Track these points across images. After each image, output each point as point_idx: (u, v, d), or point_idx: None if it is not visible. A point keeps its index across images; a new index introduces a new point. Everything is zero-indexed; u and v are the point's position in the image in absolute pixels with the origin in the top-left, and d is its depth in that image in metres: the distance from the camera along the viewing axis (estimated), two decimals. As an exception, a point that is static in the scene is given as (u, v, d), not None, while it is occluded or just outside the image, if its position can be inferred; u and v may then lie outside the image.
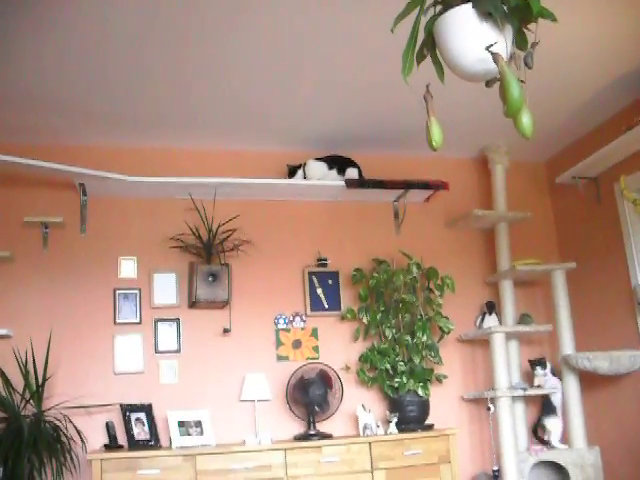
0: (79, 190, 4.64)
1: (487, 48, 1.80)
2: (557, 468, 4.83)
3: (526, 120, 1.86)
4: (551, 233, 5.62)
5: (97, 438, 4.36)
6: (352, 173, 4.90)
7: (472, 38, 1.84)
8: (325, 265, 5.01)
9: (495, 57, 1.79)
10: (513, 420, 4.75)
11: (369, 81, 4.15)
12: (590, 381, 4.85)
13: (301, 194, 5.02)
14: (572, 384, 4.86)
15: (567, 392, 4.87)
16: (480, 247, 5.41)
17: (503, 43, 1.85)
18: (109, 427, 4.30)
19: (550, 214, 5.66)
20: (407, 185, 5.00)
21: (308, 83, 4.17)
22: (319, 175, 4.84)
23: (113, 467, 3.92)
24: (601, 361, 4.53)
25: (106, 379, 4.53)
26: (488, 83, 1.95)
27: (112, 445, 4.24)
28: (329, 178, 4.87)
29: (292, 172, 4.86)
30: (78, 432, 4.24)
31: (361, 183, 4.89)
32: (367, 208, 5.25)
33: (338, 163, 4.91)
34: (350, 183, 4.84)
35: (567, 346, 4.86)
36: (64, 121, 4.48)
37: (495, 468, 4.75)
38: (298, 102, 4.42)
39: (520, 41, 1.95)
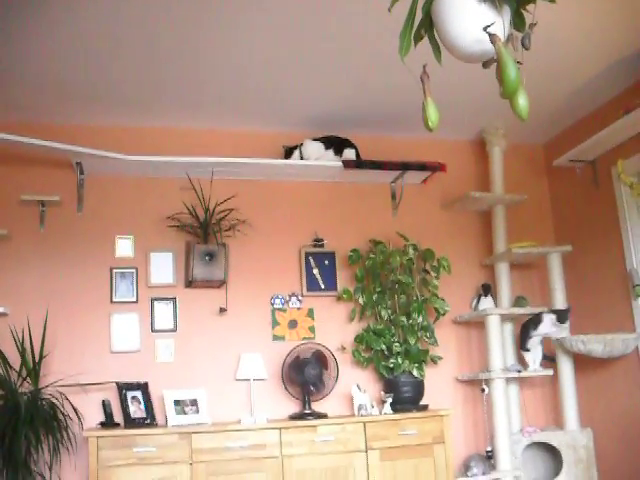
0: (76, 169, 4.63)
1: (484, 29, 1.80)
2: (550, 449, 4.87)
3: (522, 102, 1.86)
4: (548, 216, 5.63)
5: (93, 416, 4.38)
6: (349, 154, 4.89)
7: (469, 19, 1.83)
8: (322, 246, 5.02)
9: (492, 38, 1.79)
10: (507, 402, 4.79)
11: (366, 61, 4.14)
12: (584, 364, 4.87)
13: (298, 174, 5.02)
14: (566, 367, 4.89)
15: (561, 375, 4.90)
16: (477, 229, 5.42)
17: (500, 24, 1.84)
18: (105, 405, 4.32)
19: (547, 197, 5.66)
20: (404, 166, 4.99)
21: (306, 64, 4.16)
22: (316, 155, 4.84)
23: (109, 444, 3.95)
24: (595, 344, 4.55)
25: (102, 357, 4.55)
26: (485, 64, 1.94)
27: (108, 423, 4.27)
28: (326, 158, 4.86)
29: (288, 153, 4.86)
30: (75, 410, 4.27)
31: (358, 164, 4.89)
32: (364, 189, 5.24)
33: (335, 144, 4.90)
34: (347, 164, 4.83)
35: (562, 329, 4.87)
36: (61, 100, 4.46)
37: (488, 449, 4.80)
38: (295, 83, 4.41)
39: (518, 22, 1.95)
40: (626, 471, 4.71)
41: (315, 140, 4.89)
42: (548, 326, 4.71)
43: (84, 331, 4.55)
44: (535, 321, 4.78)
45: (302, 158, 4.84)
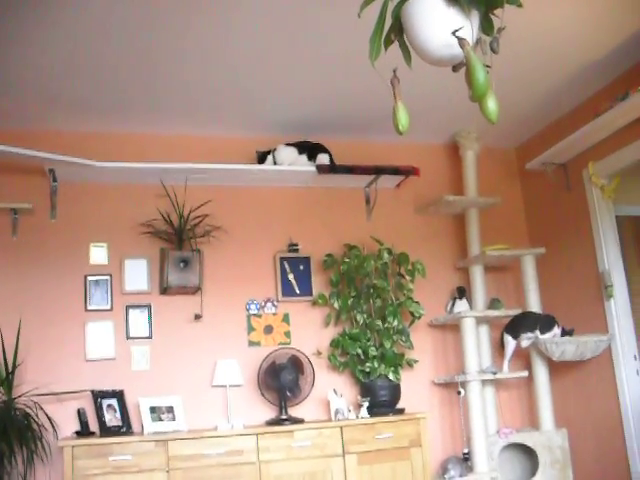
0: (49, 176, 4.59)
1: (453, 33, 1.82)
2: (526, 450, 4.91)
3: (491, 105, 1.88)
4: (521, 219, 5.68)
5: (68, 425, 4.34)
6: (323, 159, 4.90)
7: (438, 23, 1.84)
8: (296, 251, 5.02)
9: (461, 42, 1.81)
10: (483, 404, 4.81)
11: (339, 67, 4.15)
12: (558, 365, 4.91)
13: (272, 180, 5.02)
14: (541, 368, 4.93)
15: (536, 376, 4.93)
16: (450, 232, 5.45)
17: (469, 28, 1.86)
18: (80, 414, 4.28)
19: (520, 200, 5.71)
20: (378, 171, 5.01)
21: (279, 69, 4.16)
22: (289, 160, 4.85)
23: (84, 454, 3.92)
24: (568, 345, 4.59)
25: (77, 366, 4.51)
26: (455, 68, 1.96)
27: (84, 432, 4.23)
28: (299, 163, 4.87)
29: (262, 158, 4.86)
30: (49, 419, 4.22)
31: (332, 169, 4.90)
32: (338, 194, 5.25)
33: (308, 149, 4.91)
34: (321, 169, 4.84)
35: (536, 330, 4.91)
36: (34, 106, 4.43)
37: (465, 451, 4.81)
38: (269, 88, 4.41)
39: (486, 26, 1.97)
40: (601, 470, 4.75)
41: (288, 145, 4.89)
42: (552, 335, 4.72)
43: (58, 339, 4.51)
44: (547, 324, 4.73)
45: (275, 163, 4.84)
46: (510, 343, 4.90)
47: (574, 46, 4.12)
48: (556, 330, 4.68)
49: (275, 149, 4.86)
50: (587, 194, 4.88)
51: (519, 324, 4.86)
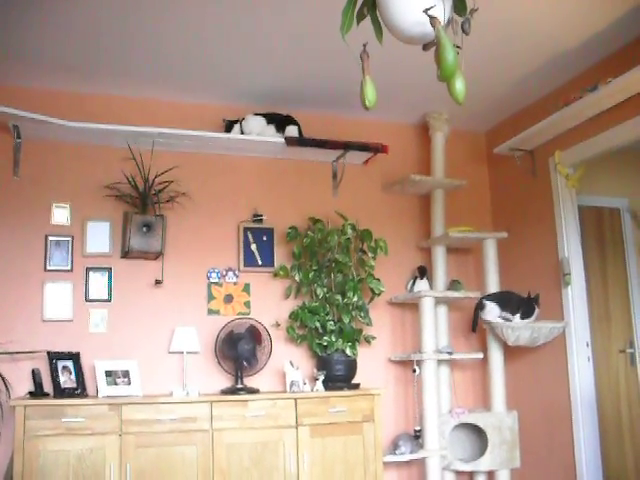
0: (13, 132, 4.50)
1: (425, 11, 1.82)
2: (476, 430, 4.98)
3: (459, 85, 1.89)
4: (486, 202, 5.72)
5: (22, 386, 4.31)
6: (292, 131, 4.88)
7: (411, 0, 1.84)
8: (260, 221, 5.00)
9: (432, 21, 1.81)
10: (437, 383, 4.88)
11: (312, 39, 4.12)
12: (513, 348, 4.97)
13: (240, 149, 4.99)
14: (496, 351, 4.99)
15: (491, 358, 5.00)
16: (415, 212, 5.48)
17: (442, 7, 1.87)
18: (35, 374, 4.25)
19: (486, 184, 5.75)
20: (347, 146, 5.00)
21: (252, 39, 4.12)
22: (258, 130, 4.82)
23: (37, 414, 3.89)
24: (523, 330, 4.65)
25: (34, 326, 4.46)
26: (425, 47, 1.97)
27: (37, 393, 4.20)
28: (267, 134, 4.85)
29: (229, 127, 4.84)
30: (2, 379, 4.18)
31: (301, 141, 4.88)
32: (305, 167, 5.24)
33: (277, 120, 4.89)
34: (290, 141, 4.82)
35: (493, 314, 4.96)
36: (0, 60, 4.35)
37: (417, 428, 4.88)
38: (241, 58, 4.37)
39: (459, 7, 1.98)
40: (546, 452, 4.86)
41: (257, 115, 4.86)
42: (492, 314, 4.76)
43: (15, 299, 4.46)
44: (529, 310, 4.73)
45: (242, 133, 4.82)
46: (493, 310, 4.81)
47: (547, 35, 4.13)
48: (489, 308, 4.76)
49: (243, 119, 4.83)
50: (552, 182, 4.93)
51: (504, 301, 4.81)
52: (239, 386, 4.52)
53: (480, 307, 4.81)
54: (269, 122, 4.86)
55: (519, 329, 4.65)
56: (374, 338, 5.00)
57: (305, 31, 4.03)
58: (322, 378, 4.61)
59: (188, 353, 4.60)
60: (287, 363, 4.64)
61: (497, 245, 5.09)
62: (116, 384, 4.35)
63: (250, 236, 4.97)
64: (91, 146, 4.76)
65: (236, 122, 4.83)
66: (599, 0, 3.76)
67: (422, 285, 5.15)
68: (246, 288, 4.93)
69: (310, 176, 5.25)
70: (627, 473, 5.56)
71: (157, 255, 4.65)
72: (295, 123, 4.92)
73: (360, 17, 2.02)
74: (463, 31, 1.94)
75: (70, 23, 3.89)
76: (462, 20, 1.94)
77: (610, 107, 4.29)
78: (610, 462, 5.36)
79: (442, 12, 1.86)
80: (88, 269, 4.64)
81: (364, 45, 2.05)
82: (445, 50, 1.80)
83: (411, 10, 1.85)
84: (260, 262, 4.96)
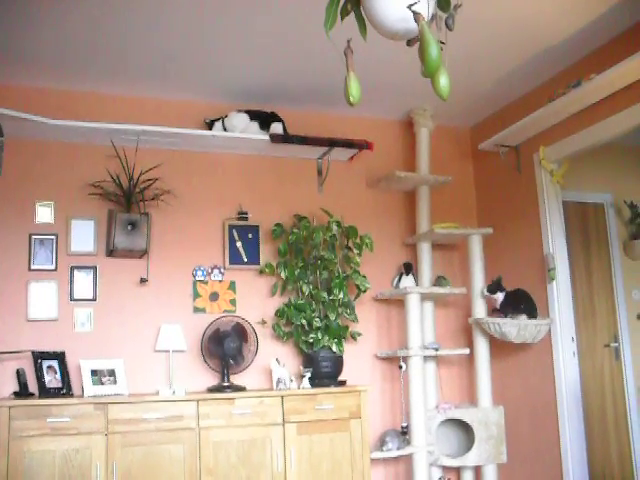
0: (-5, 130, 4.49)
1: (409, 7, 1.81)
2: (463, 426, 5.00)
3: (443, 81, 1.88)
4: (471, 198, 5.73)
5: (7, 386, 4.29)
6: (277, 128, 4.87)
7: (395, -4, 1.84)
8: (246, 219, 4.99)
9: (416, 16, 1.81)
10: (424, 379, 4.89)
11: (295, 35, 4.11)
12: (499, 343, 4.99)
13: (225, 146, 4.97)
14: (482, 347, 5.00)
15: (477, 354, 5.01)
16: (401, 208, 5.48)
17: (425, 3, 1.86)
18: (19, 374, 4.22)
19: (471, 180, 5.76)
20: (331, 143, 4.99)
21: (235, 36, 4.11)
22: (241, 127, 4.80)
23: (22, 414, 3.86)
24: (510, 327, 4.66)
25: (18, 326, 4.43)
26: (409, 42, 1.96)
27: (22, 393, 4.18)
28: (250, 130, 4.84)
29: (209, 126, 4.83)
30: (-14, 379, 4.17)
31: (286, 138, 4.87)
32: (290, 164, 5.24)
33: (261, 117, 4.88)
34: (275, 138, 4.81)
35: (479, 310, 4.99)
36: (-19, 58, 4.32)
37: (404, 424, 4.89)
38: (224, 55, 4.36)
39: (443, 3, 1.97)
40: (532, 446, 4.88)
41: (240, 112, 4.85)
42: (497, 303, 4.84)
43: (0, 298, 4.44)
44: (534, 311, 4.76)
45: (225, 130, 4.81)
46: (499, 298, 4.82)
47: (531, 31, 4.14)
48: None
49: (226, 116, 4.82)
50: (537, 178, 4.95)
51: (517, 299, 4.80)
52: (225, 384, 4.51)
53: (491, 291, 4.82)
54: (252, 118, 4.85)
55: (505, 325, 4.66)
56: (360, 335, 5.00)
57: (288, 28, 4.02)
58: (308, 375, 4.61)
59: (174, 351, 4.59)
60: (273, 360, 4.63)
61: (482, 241, 5.09)
62: (102, 383, 4.33)
63: (235, 233, 4.95)
64: (75, 144, 4.73)
65: (218, 120, 4.82)
66: (582, -4, 3.78)
67: (408, 281, 5.16)
68: (232, 286, 4.91)
69: (295, 173, 5.24)
70: (612, 466, 5.61)
71: (142, 253, 4.63)
72: (279, 120, 4.91)
73: (344, 13, 2.01)
74: (447, 27, 1.94)
75: (53, 21, 3.86)
76: (446, 16, 1.94)
77: (594, 103, 4.32)
78: (595, 456, 5.40)
79: (426, 8, 1.85)
80: (73, 268, 4.61)
81: (348, 41, 2.04)
82: (429, 46, 1.79)
83: (395, 6, 1.84)
84: (246, 259, 4.95)
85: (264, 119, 4.88)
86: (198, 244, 4.89)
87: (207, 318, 4.73)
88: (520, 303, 4.77)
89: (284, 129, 4.91)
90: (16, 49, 4.20)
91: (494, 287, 4.80)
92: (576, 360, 4.70)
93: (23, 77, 4.59)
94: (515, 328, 4.65)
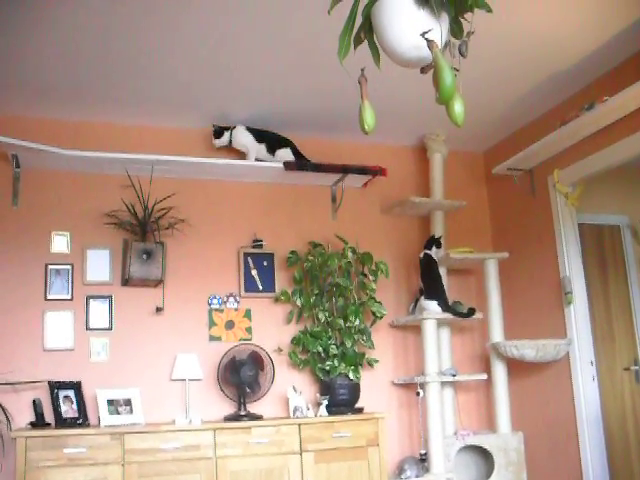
0: (12, 162, 4.52)
1: (422, 35, 1.82)
2: (482, 452, 4.94)
3: (458, 108, 1.88)
4: (486, 223, 5.71)
5: (23, 416, 4.28)
6: (285, 154, 4.88)
7: (408, 24, 1.85)
8: (260, 246, 4.99)
9: (429, 44, 1.81)
10: (441, 405, 4.84)
11: (309, 63, 4.14)
12: (517, 369, 4.96)
13: (239, 174, 4.99)
14: (500, 371, 4.96)
15: (495, 379, 4.97)
16: (415, 234, 5.47)
17: (438, 31, 1.87)
18: (36, 405, 4.22)
19: (486, 204, 5.75)
20: (345, 170, 5.00)
21: (248, 64, 4.13)
22: (245, 144, 4.84)
23: (39, 445, 3.86)
24: (528, 349, 4.63)
25: (35, 356, 4.44)
26: (423, 70, 1.97)
27: (39, 423, 4.17)
28: (260, 154, 4.87)
29: (218, 132, 4.85)
30: (3, 410, 4.16)
31: (300, 166, 4.88)
32: (304, 191, 5.25)
33: (268, 140, 4.90)
34: (288, 165, 4.83)
35: (496, 334, 4.96)
36: (-2, 91, 4.37)
37: (422, 452, 4.83)
38: (237, 82, 4.38)
39: (456, 30, 1.98)
40: (553, 472, 4.81)
41: (248, 129, 4.88)
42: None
43: (16, 328, 4.44)
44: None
45: (231, 142, 4.84)
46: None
47: (543, 54, 4.15)
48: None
49: (234, 127, 4.86)
50: (551, 201, 4.93)
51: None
52: (242, 413, 4.48)
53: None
54: (259, 141, 4.87)
55: (523, 347, 4.63)
56: (377, 361, 4.97)
57: (302, 56, 4.05)
58: (325, 403, 4.59)
59: (190, 380, 4.58)
60: (290, 388, 4.61)
61: (498, 265, 5.07)
62: (118, 413, 4.32)
63: (250, 261, 4.95)
64: (90, 174, 4.77)
65: (226, 129, 4.85)
66: (593, 20, 3.78)
67: (427, 304, 5.06)
68: (247, 314, 4.91)
69: (309, 200, 5.25)
70: (635, 492, 5.52)
71: (157, 282, 4.63)
72: (287, 144, 4.93)
73: (357, 41, 2.02)
74: (460, 54, 1.94)
75: (68, 54, 3.90)
76: (459, 43, 1.95)
77: (607, 125, 4.30)
78: (618, 481, 5.32)
79: (439, 35, 1.86)
80: (88, 297, 4.62)
81: (362, 70, 2.05)
82: (443, 73, 1.79)
83: (408, 34, 1.85)
84: (261, 287, 4.95)
85: (271, 142, 4.90)
86: (213, 272, 4.89)
87: (223, 346, 4.72)
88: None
89: (294, 152, 4.92)
90: (31, 81, 4.25)
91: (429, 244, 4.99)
92: (596, 384, 4.65)
93: (38, 109, 4.64)
94: (533, 350, 4.62)
